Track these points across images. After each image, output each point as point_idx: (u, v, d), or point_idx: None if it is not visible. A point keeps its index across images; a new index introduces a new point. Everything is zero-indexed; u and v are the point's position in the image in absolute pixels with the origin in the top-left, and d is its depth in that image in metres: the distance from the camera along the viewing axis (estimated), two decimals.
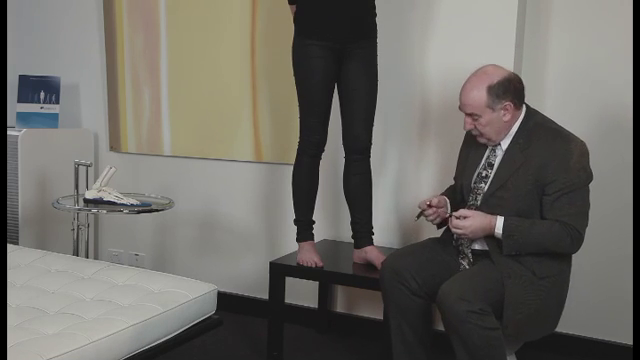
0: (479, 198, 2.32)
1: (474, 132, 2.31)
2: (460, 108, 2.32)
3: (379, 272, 2.37)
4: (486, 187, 2.31)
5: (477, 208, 2.29)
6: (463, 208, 2.31)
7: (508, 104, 2.26)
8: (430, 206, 2.38)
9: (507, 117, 2.27)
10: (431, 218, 2.40)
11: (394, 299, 2.30)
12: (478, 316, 2.05)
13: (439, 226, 2.48)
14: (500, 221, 2.20)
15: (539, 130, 2.28)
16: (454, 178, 2.55)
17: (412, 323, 2.30)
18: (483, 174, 2.34)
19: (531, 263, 2.20)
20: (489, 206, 2.27)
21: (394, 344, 2.33)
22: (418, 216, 2.42)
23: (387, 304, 2.36)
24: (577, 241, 2.21)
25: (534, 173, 2.22)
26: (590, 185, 2.26)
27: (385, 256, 2.67)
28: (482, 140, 2.33)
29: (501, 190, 2.26)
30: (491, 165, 2.34)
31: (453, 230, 2.27)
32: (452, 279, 2.19)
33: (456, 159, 2.55)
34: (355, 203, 2.76)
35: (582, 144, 2.25)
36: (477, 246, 2.33)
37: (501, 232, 2.20)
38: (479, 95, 2.25)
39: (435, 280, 2.26)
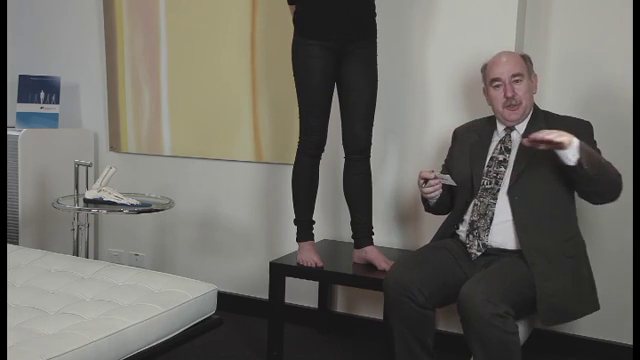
0: (500, 182, 2.31)
1: (513, 101, 2.33)
2: (496, 79, 2.35)
3: (383, 284, 2.27)
4: (508, 170, 2.31)
5: (498, 191, 2.30)
6: (473, 195, 2.35)
7: (535, 77, 2.43)
8: (435, 177, 2.36)
9: (535, 91, 2.41)
10: (433, 188, 2.38)
11: (399, 312, 2.22)
12: (503, 320, 2.01)
13: (432, 207, 2.50)
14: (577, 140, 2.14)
15: (552, 115, 2.41)
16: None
17: (416, 333, 2.23)
18: (500, 158, 2.35)
19: (560, 242, 2.22)
20: (518, 187, 2.27)
21: (398, 353, 2.28)
22: (425, 183, 2.37)
23: (391, 316, 2.27)
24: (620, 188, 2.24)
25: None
26: None
27: (384, 256, 2.69)
28: (516, 113, 2.35)
29: (529, 169, 2.27)
30: (508, 149, 2.36)
31: (538, 136, 2.12)
32: (473, 280, 2.14)
33: None
34: (355, 203, 2.76)
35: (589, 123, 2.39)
36: (493, 244, 2.30)
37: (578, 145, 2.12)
38: (519, 59, 2.40)
39: (443, 291, 2.24)
